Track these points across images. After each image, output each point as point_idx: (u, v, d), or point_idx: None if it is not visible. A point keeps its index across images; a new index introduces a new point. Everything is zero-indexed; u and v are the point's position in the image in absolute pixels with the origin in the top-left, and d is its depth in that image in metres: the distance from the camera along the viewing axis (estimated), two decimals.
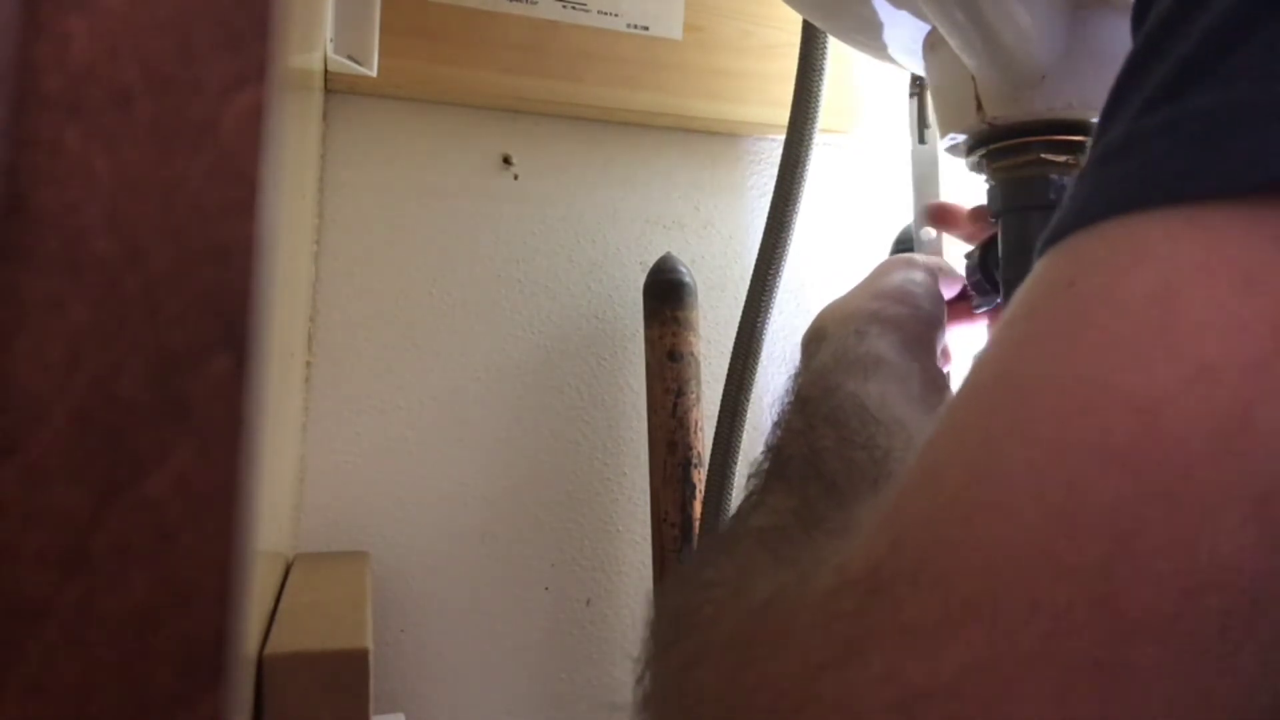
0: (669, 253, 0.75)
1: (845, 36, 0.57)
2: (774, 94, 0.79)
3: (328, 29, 0.66)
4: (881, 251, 0.77)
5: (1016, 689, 0.15)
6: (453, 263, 0.75)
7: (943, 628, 0.16)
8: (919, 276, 0.47)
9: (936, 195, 0.82)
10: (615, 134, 0.80)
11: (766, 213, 0.71)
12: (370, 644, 0.42)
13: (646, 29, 0.78)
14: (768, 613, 0.20)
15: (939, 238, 0.57)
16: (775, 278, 0.71)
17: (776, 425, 0.37)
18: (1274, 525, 0.15)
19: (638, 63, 0.78)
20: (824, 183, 0.86)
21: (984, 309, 0.51)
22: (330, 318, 0.71)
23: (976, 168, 0.49)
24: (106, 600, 0.18)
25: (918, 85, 0.60)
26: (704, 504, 0.69)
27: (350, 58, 0.68)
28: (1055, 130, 0.44)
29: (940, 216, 0.55)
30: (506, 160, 0.77)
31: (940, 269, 0.50)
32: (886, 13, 0.49)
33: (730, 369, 0.71)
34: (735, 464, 0.69)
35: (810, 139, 0.69)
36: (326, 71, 0.69)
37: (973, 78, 0.45)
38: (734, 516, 0.33)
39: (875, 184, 0.89)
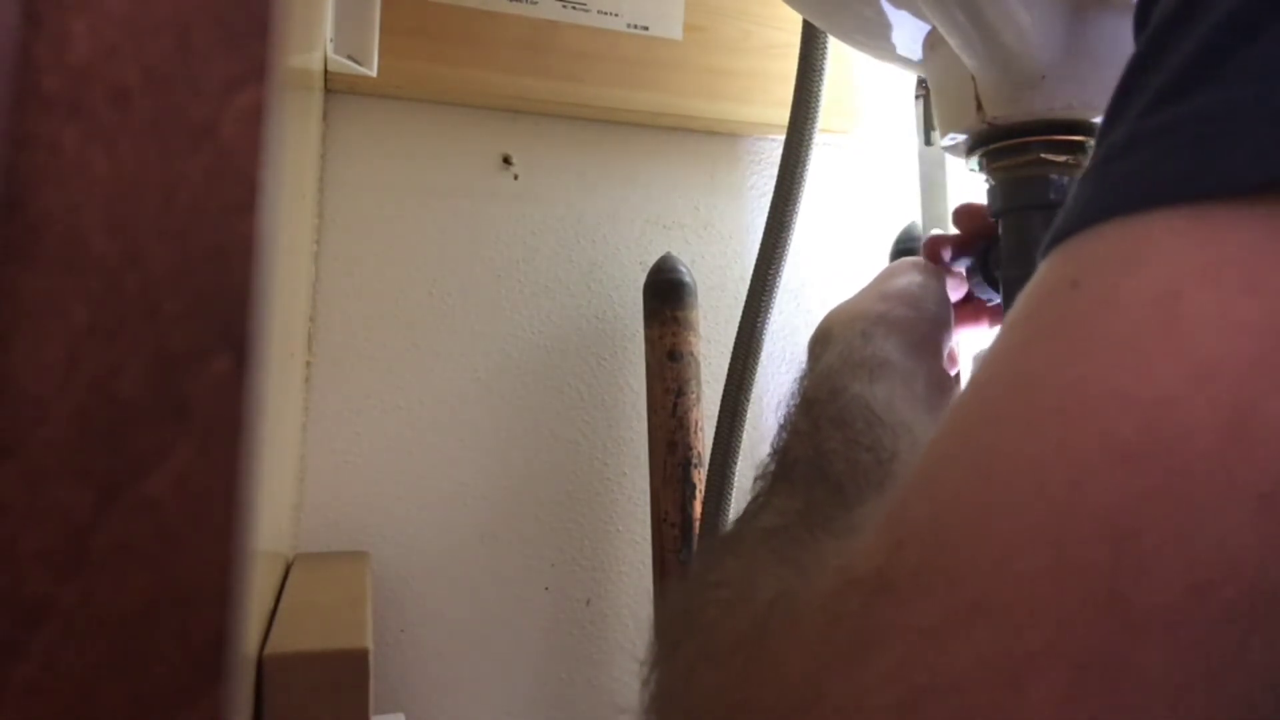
0: (669, 253, 0.75)
1: (845, 36, 0.57)
2: (774, 94, 0.79)
3: (328, 29, 0.66)
4: (882, 251, 0.78)
5: (1023, 687, 0.15)
6: (453, 263, 0.75)
7: (948, 627, 0.16)
8: (925, 279, 0.47)
9: (944, 197, 0.82)
10: (615, 134, 0.80)
11: (766, 213, 0.71)
12: (370, 644, 0.42)
13: (646, 29, 0.78)
14: (773, 613, 0.20)
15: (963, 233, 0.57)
16: (775, 278, 0.71)
17: (782, 427, 0.37)
18: (1277, 521, 0.15)
19: (638, 63, 0.78)
20: (824, 183, 0.86)
21: (983, 310, 0.51)
22: (330, 318, 0.71)
23: (976, 167, 0.49)
24: (106, 600, 0.18)
25: (924, 87, 0.60)
26: (704, 504, 0.69)
27: (350, 58, 0.68)
28: (1055, 130, 0.44)
29: (968, 217, 0.54)
30: (506, 160, 0.77)
31: (947, 271, 0.50)
32: (887, 13, 0.49)
33: (730, 369, 0.71)
34: (735, 464, 0.69)
35: (810, 139, 0.69)
36: (326, 71, 0.69)
37: (973, 78, 0.45)
38: (740, 518, 0.33)
39: (875, 184, 0.89)
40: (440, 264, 0.74)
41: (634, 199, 0.81)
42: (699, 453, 0.70)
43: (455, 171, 0.76)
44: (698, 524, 0.69)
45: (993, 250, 0.49)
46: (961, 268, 0.51)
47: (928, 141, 0.60)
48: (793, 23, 0.71)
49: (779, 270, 0.71)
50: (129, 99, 0.19)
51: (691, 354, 0.71)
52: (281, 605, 0.48)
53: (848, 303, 0.46)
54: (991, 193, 0.49)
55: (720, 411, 0.71)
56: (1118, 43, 0.42)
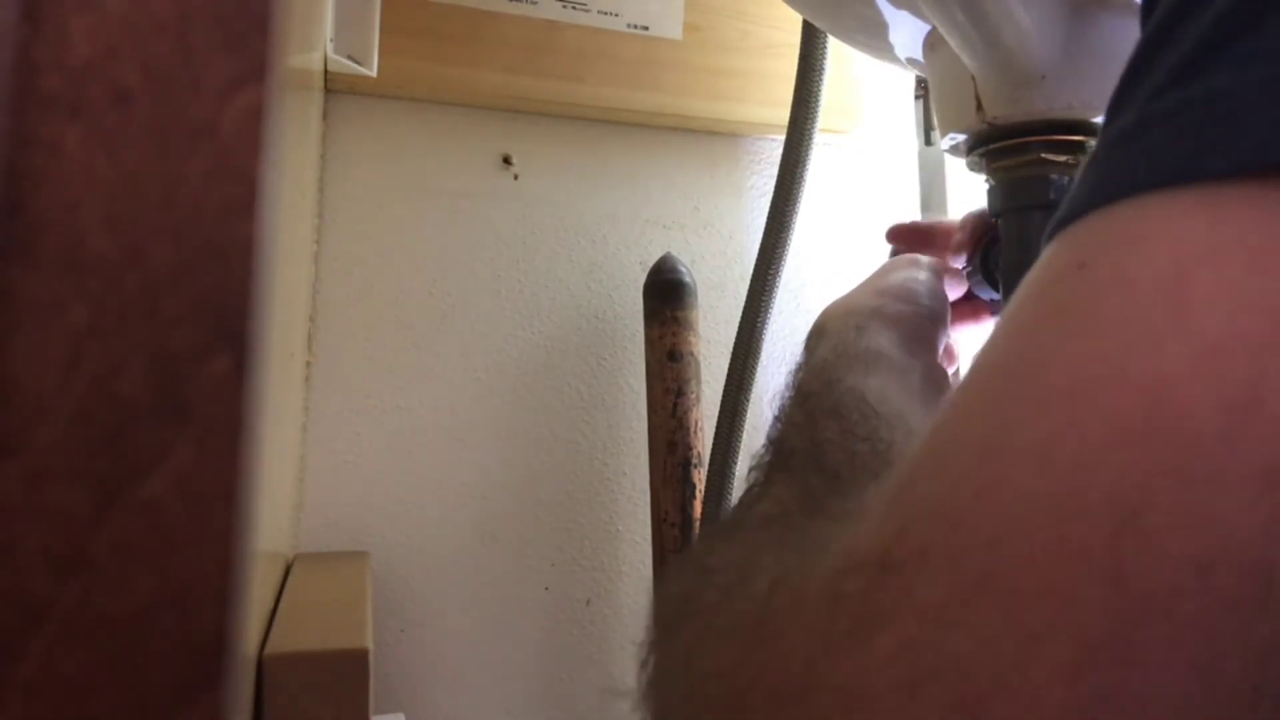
0: (669, 253, 0.75)
1: (845, 36, 0.57)
2: (774, 94, 0.79)
3: (328, 29, 0.66)
4: (882, 251, 0.78)
5: (1026, 667, 0.15)
6: (453, 263, 0.75)
7: (952, 607, 0.16)
8: (923, 275, 0.47)
9: (943, 197, 0.82)
10: (615, 134, 0.80)
11: (766, 213, 0.71)
12: (370, 644, 0.42)
13: (646, 29, 0.78)
14: (773, 595, 0.20)
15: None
16: (775, 278, 0.71)
17: (777, 419, 0.37)
18: None
19: (638, 63, 0.78)
20: (824, 183, 0.86)
21: (982, 308, 0.51)
22: (330, 318, 0.71)
23: (976, 167, 0.49)
24: (106, 600, 0.18)
25: (923, 87, 0.60)
26: (704, 504, 0.69)
27: (350, 58, 0.68)
28: (1055, 130, 0.44)
29: (903, 237, 0.54)
30: (506, 160, 0.77)
31: (945, 268, 0.50)
32: (887, 13, 0.49)
33: (730, 369, 0.71)
34: (735, 464, 0.69)
35: (810, 139, 0.69)
36: (326, 71, 0.69)
37: (973, 78, 0.45)
38: (737, 506, 0.33)
39: (875, 184, 0.89)
40: (440, 264, 0.74)
41: (634, 199, 0.81)
42: (699, 453, 0.70)
43: (455, 171, 0.76)
44: (698, 524, 0.69)
45: (993, 249, 0.49)
46: (960, 265, 0.51)
47: (928, 141, 0.60)
48: (792, 22, 0.71)
49: (779, 270, 0.71)
50: (129, 99, 0.19)
51: (691, 354, 0.71)
52: (281, 605, 0.48)
53: (844, 297, 0.46)
54: (991, 193, 0.49)
55: (720, 411, 0.71)
56: (1118, 43, 0.42)
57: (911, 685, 0.16)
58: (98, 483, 0.18)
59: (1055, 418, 0.16)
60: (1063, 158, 0.45)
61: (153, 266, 0.18)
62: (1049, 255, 0.20)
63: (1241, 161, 0.16)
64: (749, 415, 0.71)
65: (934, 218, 0.76)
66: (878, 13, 0.50)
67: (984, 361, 0.19)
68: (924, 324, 0.43)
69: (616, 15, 0.77)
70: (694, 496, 0.69)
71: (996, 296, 0.49)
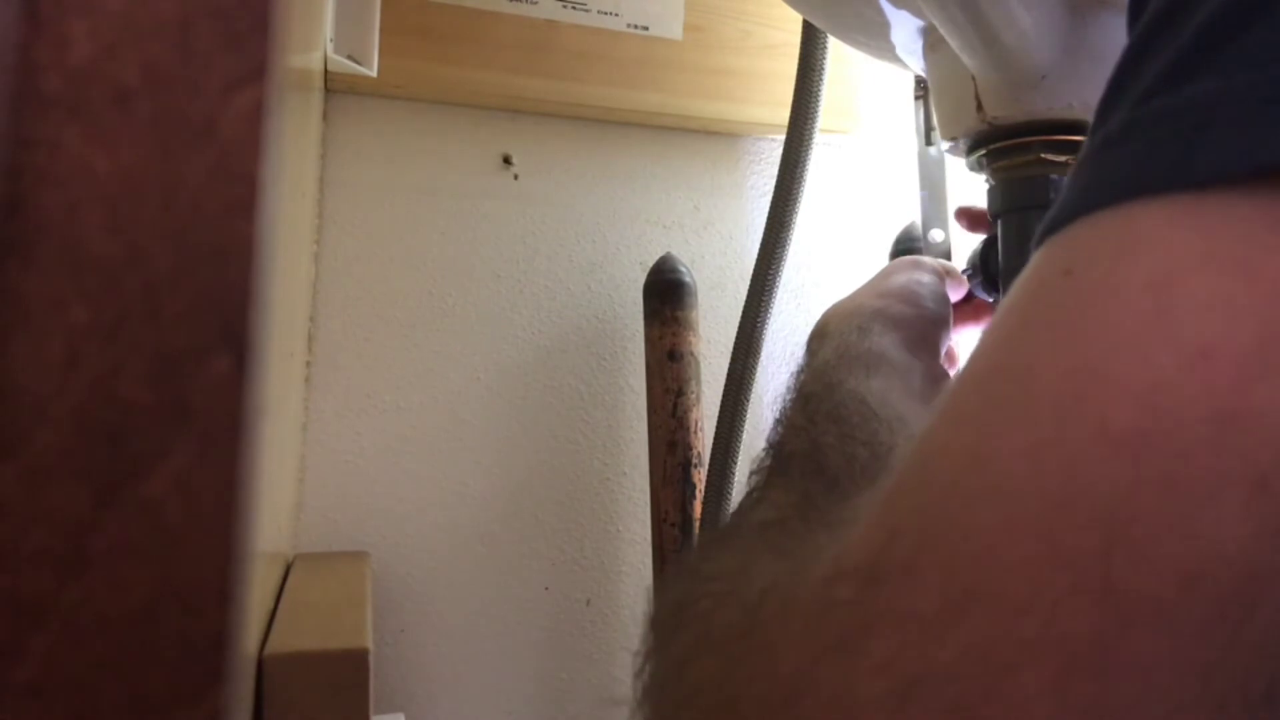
0: (669, 253, 0.75)
1: (845, 36, 0.57)
2: (774, 94, 0.79)
3: (328, 29, 0.66)
4: (882, 251, 0.78)
5: (1015, 675, 0.15)
6: (453, 263, 0.75)
7: (942, 615, 0.16)
8: (925, 278, 0.47)
9: (943, 197, 0.82)
10: (615, 134, 0.80)
11: (766, 213, 0.71)
12: (370, 644, 0.42)
13: (646, 29, 0.78)
14: (765, 603, 0.20)
15: (947, 240, 0.57)
16: (775, 278, 0.71)
17: (778, 422, 0.37)
18: (1272, 510, 0.15)
19: (638, 63, 0.78)
20: (824, 183, 0.86)
21: (984, 310, 0.51)
22: (330, 318, 0.71)
23: (976, 167, 0.49)
24: (106, 600, 0.18)
25: (924, 87, 0.60)
26: (704, 504, 0.69)
27: (350, 58, 0.68)
28: (1055, 130, 0.44)
29: (969, 217, 0.54)
30: (506, 160, 0.77)
31: (948, 271, 0.50)
32: (887, 12, 0.49)
33: (730, 369, 0.71)
34: (735, 464, 0.69)
35: (810, 139, 0.69)
36: (326, 71, 0.69)
37: (973, 78, 0.45)
38: (735, 512, 0.33)
39: (875, 184, 0.89)
40: (440, 264, 0.74)
41: (634, 199, 0.81)
42: (699, 453, 0.70)
43: (455, 171, 0.76)
44: (698, 524, 0.69)
45: (993, 250, 0.49)
46: (961, 268, 0.52)
47: (928, 141, 0.60)
48: (793, 22, 0.71)
49: (779, 270, 0.71)
50: (129, 99, 0.19)
51: (691, 354, 0.71)
52: (281, 605, 0.48)
53: (846, 299, 0.46)
54: (991, 193, 0.49)
55: (720, 411, 0.71)
56: (1118, 43, 0.42)
57: (900, 694, 0.16)
58: (98, 483, 0.18)
59: (1042, 426, 0.16)
60: (1063, 158, 0.45)
61: (153, 266, 0.18)
62: (1036, 262, 0.20)
63: (1228, 167, 0.16)
64: (749, 415, 0.71)
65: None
66: (878, 13, 0.50)
67: (972, 369, 0.19)
68: (927, 326, 0.43)
69: (616, 15, 0.77)
70: (694, 496, 0.69)
71: (997, 298, 0.49)
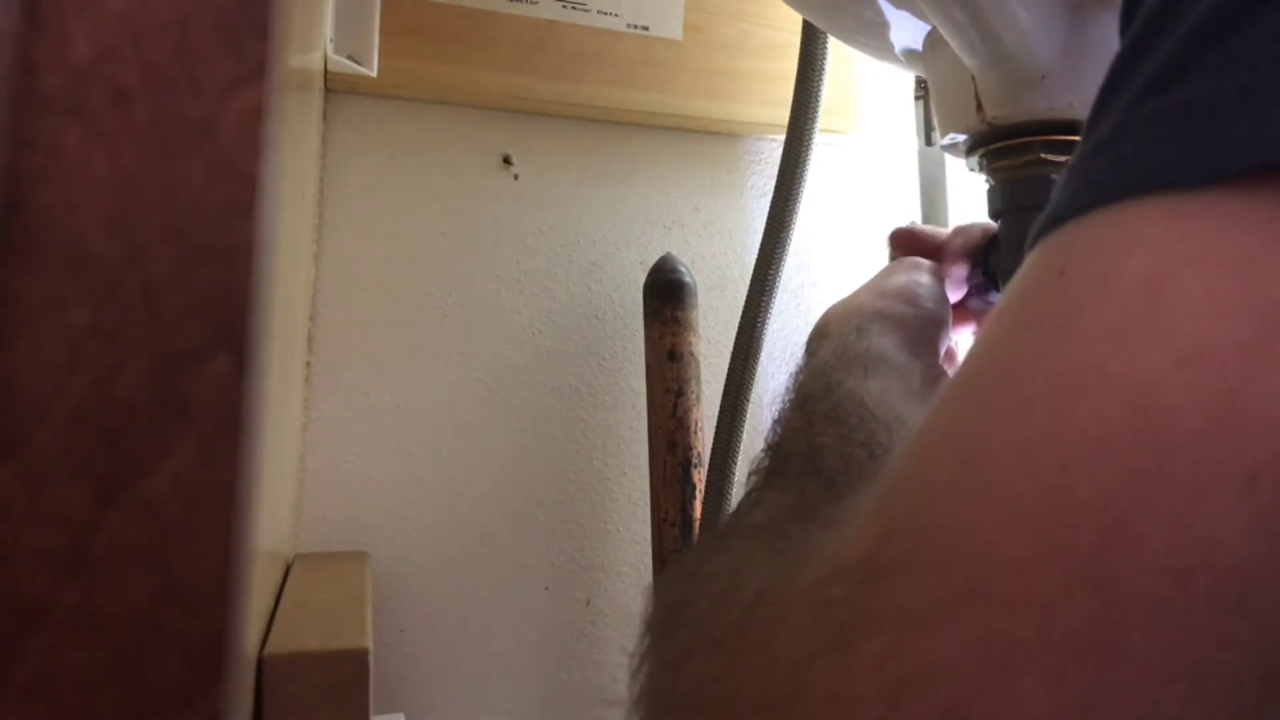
0: (669, 253, 0.75)
1: (845, 36, 0.57)
2: (774, 94, 0.79)
3: (328, 29, 0.66)
4: (882, 252, 0.78)
5: (1011, 673, 0.15)
6: (453, 263, 0.75)
7: (937, 613, 0.16)
8: (924, 278, 0.47)
9: (944, 197, 0.82)
10: (615, 134, 0.80)
11: (766, 213, 0.71)
12: (370, 644, 0.42)
13: (646, 29, 0.78)
14: (760, 603, 0.20)
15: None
16: (775, 278, 0.71)
17: (776, 423, 0.37)
18: (1265, 505, 0.15)
19: (638, 63, 0.78)
20: (824, 183, 0.86)
21: (983, 310, 0.51)
22: (330, 318, 0.71)
23: (976, 168, 0.49)
24: (106, 600, 0.18)
25: (923, 88, 0.60)
26: (704, 504, 0.69)
27: (350, 58, 0.68)
28: (1055, 130, 0.44)
29: (903, 243, 0.54)
30: (506, 160, 0.77)
31: (946, 272, 0.50)
32: (887, 13, 0.49)
33: (730, 369, 0.71)
34: (735, 464, 0.69)
35: (810, 139, 0.69)
36: (326, 71, 0.69)
37: (973, 78, 0.45)
38: (733, 514, 0.33)
39: (875, 184, 0.89)
40: (440, 264, 0.74)
41: (634, 199, 0.81)
42: (699, 453, 0.70)
43: (455, 171, 0.76)
44: (698, 524, 0.69)
45: (993, 250, 0.49)
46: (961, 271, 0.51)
47: (928, 141, 0.60)
48: (793, 22, 0.71)
49: (779, 270, 0.71)
50: (129, 99, 0.19)
51: (691, 354, 0.71)
52: (281, 605, 0.48)
53: (845, 299, 0.46)
54: (991, 193, 0.49)
55: (720, 411, 0.71)
56: (1118, 43, 0.42)
57: (896, 692, 0.16)
58: (98, 483, 0.18)
59: (1036, 424, 0.16)
60: (1063, 158, 0.45)
61: (153, 267, 0.18)
62: (1030, 263, 0.20)
63: (1220, 168, 0.16)
64: (749, 415, 0.71)
65: (933, 227, 0.76)
66: (878, 13, 0.50)
67: (966, 369, 0.20)
68: (926, 326, 0.43)
69: (616, 15, 0.77)
70: (694, 496, 0.69)
71: (997, 298, 0.49)
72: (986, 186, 0.49)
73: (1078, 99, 0.43)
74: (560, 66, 0.75)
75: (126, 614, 0.18)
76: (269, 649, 0.39)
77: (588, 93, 0.76)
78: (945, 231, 0.53)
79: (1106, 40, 0.42)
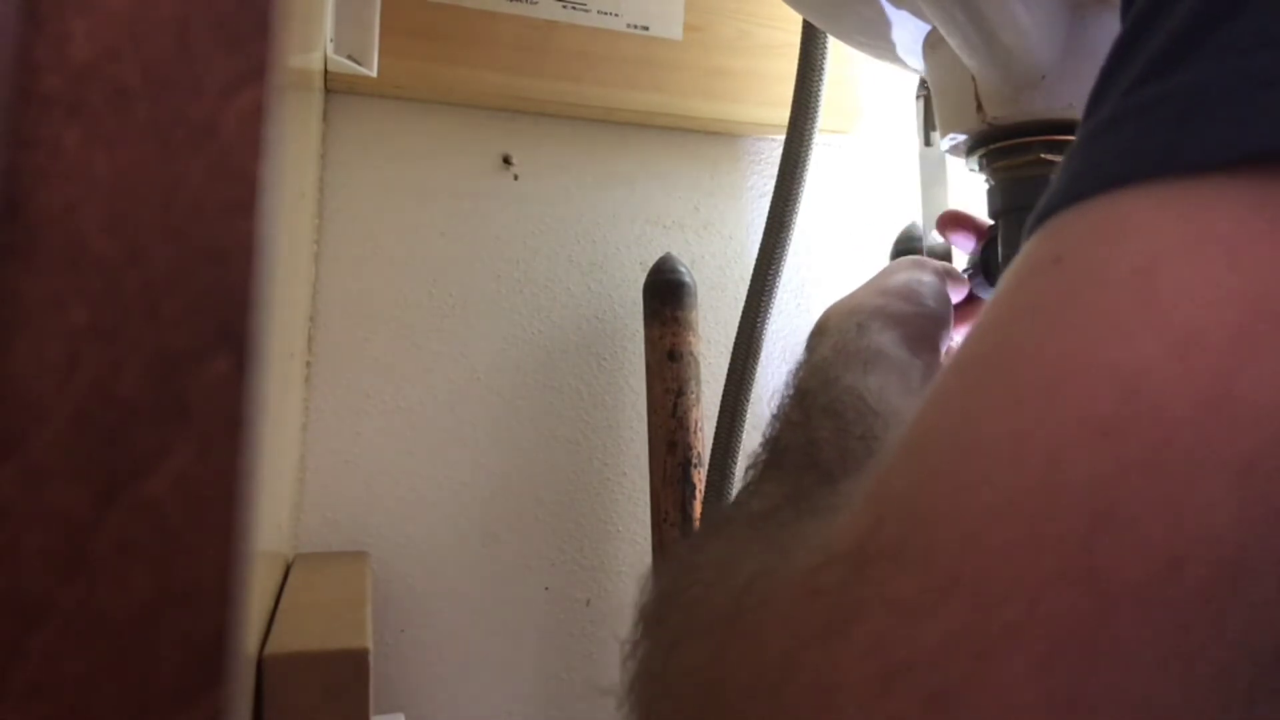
0: (669, 253, 0.75)
1: (845, 36, 0.57)
2: (774, 94, 0.79)
3: (328, 29, 0.66)
4: (882, 251, 0.78)
5: (999, 660, 0.15)
6: (453, 263, 0.75)
7: (926, 601, 0.16)
8: (927, 277, 0.47)
9: (944, 197, 0.82)
10: (615, 134, 0.80)
11: (766, 213, 0.71)
12: (370, 644, 0.42)
13: (646, 29, 0.78)
14: (751, 590, 0.20)
15: (948, 240, 0.57)
16: (775, 278, 0.71)
17: (775, 417, 0.37)
18: (1256, 495, 0.15)
19: (638, 63, 0.78)
20: (824, 183, 0.86)
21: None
22: (330, 318, 0.71)
23: (976, 167, 0.49)
24: (106, 600, 0.18)
25: (924, 87, 0.60)
26: (704, 504, 0.69)
27: (350, 58, 0.68)
28: (1055, 130, 0.44)
29: (954, 224, 0.54)
30: (506, 160, 0.77)
31: (949, 272, 0.50)
32: (887, 12, 0.49)
33: (730, 369, 0.71)
34: (735, 464, 0.69)
35: (810, 139, 0.69)
36: (326, 71, 0.69)
37: (973, 78, 0.45)
38: (730, 505, 0.33)
39: (875, 184, 0.89)
40: (440, 264, 0.74)
41: (634, 199, 0.81)
42: (699, 453, 0.70)
43: (455, 171, 0.76)
44: (697, 524, 0.69)
45: (993, 250, 0.49)
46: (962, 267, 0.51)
47: (928, 141, 0.60)
48: (792, 22, 0.71)
49: (779, 270, 0.71)
50: (129, 99, 0.19)
51: (691, 354, 0.71)
52: (281, 605, 0.48)
53: (847, 297, 0.46)
54: (991, 193, 0.49)
55: (720, 411, 0.71)
56: None
57: (885, 679, 0.16)
58: (98, 483, 0.18)
59: (1028, 412, 0.16)
60: (1062, 158, 0.45)
61: (153, 266, 0.18)
62: (1026, 250, 0.20)
63: (1215, 154, 0.16)
64: (749, 415, 0.71)
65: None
66: (878, 13, 0.50)
67: (961, 356, 0.19)
68: (927, 324, 0.43)
69: (616, 15, 0.77)
70: (694, 496, 0.69)
71: None
72: (986, 186, 0.49)
73: (1078, 99, 0.43)
74: (560, 66, 0.75)
75: (126, 614, 0.18)
76: (269, 649, 0.39)
77: (588, 93, 0.76)
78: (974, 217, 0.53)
79: (1106, 40, 0.42)
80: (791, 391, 0.38)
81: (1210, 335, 0.15)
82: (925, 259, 0.50)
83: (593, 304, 0.79)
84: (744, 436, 0.71)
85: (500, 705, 0.72)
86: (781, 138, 0.71)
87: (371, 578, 0.64)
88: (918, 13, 0.47)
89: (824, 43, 0.68)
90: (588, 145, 0.79)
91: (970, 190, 0.57)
